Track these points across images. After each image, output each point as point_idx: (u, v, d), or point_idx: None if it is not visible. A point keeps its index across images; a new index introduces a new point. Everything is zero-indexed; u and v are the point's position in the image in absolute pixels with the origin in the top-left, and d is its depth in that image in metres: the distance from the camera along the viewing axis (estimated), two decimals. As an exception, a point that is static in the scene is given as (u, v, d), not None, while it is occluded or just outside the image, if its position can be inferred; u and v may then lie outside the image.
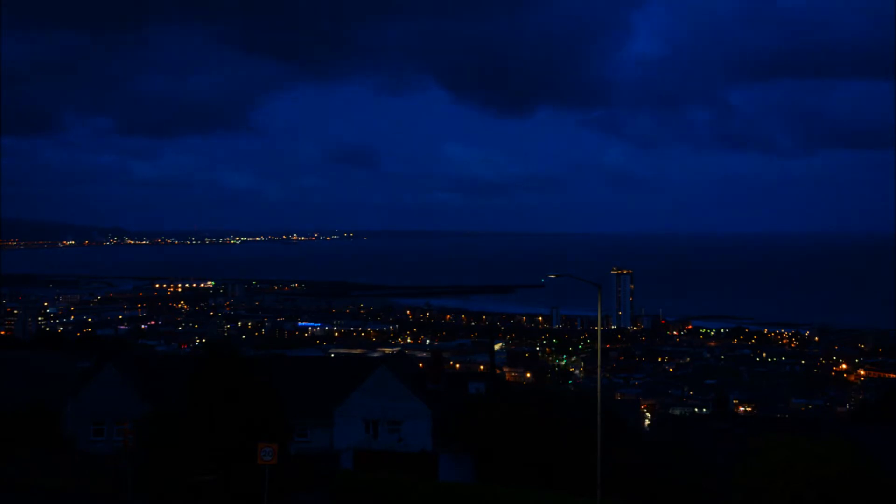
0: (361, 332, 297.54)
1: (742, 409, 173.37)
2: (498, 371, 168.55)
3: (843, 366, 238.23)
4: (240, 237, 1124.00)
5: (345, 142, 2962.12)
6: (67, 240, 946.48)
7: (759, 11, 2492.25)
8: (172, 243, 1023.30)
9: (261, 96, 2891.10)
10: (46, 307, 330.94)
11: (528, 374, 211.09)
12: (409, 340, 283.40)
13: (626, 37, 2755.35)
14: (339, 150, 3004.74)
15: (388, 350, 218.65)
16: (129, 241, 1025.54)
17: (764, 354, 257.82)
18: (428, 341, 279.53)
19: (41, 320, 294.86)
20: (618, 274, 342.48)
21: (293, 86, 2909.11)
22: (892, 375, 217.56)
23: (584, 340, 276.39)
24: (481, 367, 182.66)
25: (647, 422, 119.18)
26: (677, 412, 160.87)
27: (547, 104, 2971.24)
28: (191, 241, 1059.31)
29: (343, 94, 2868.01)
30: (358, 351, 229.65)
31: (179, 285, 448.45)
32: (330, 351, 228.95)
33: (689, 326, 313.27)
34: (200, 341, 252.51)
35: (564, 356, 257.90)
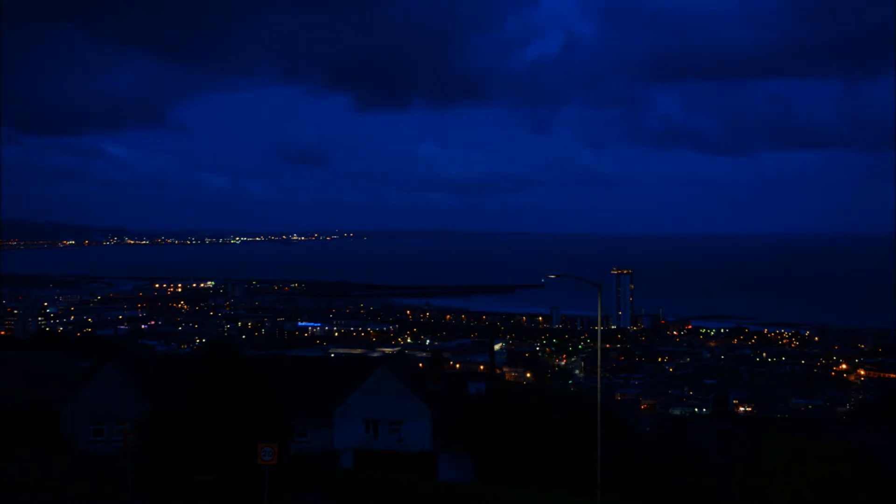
0: (361, 332, 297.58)
1: (742, 409, 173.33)
2: (498, 371, 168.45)
3: (843, 366, 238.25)
4: (240, 237, 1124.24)
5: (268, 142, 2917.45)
6: (67, 240, 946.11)
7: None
8: (172, 243, 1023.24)
9: (168, 96, 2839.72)
10: (46, 307, 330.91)
11: (528, 374, 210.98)
12: (409, 340, 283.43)
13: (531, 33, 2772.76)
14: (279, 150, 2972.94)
15: (388, 350, 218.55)
16: (129, 241, 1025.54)
17: (764, 354, 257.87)
18: (428, 341, 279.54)
19: (41, 320, 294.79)
20: (618, 274, 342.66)
21: (197, 86, 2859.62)
22: (892, 375, 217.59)
23: (584, 340, 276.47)
24: (481, 367, 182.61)
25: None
26: (677, 412, 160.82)
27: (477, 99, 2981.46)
28: (191, 241, 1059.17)
29: (251, 94, 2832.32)
30: (358, 351, 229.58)
31: (179, 285, 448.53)
32: (330, 351, 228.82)
33: (689, 326, 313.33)
34: (200, 341, 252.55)
35: (564, 356, 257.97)
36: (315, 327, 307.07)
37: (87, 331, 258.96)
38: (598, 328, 42.36)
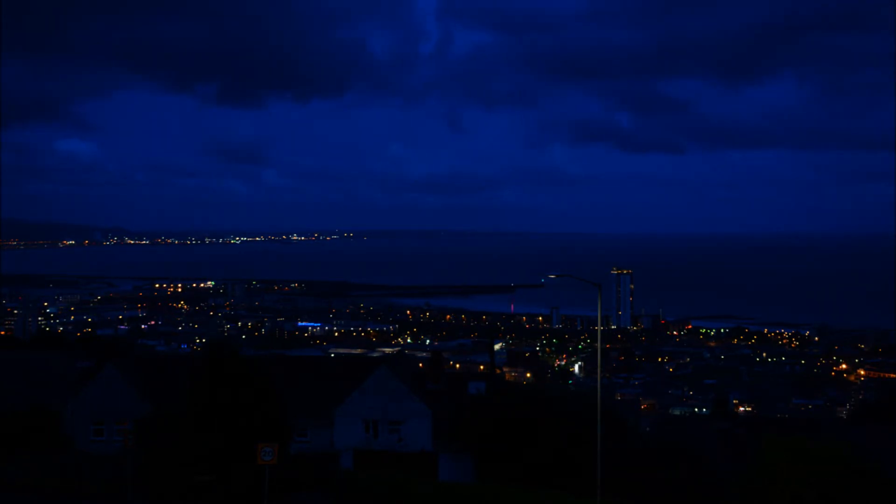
0: (361, 332, 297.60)
1: (742, 409, 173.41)
2: (498, 371, 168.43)
3: (843, 366, 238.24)
4: (240, 237, 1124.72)
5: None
6: (67, 240, 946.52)
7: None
8: (172, 243, 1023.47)
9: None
10: (46, 307, 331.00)
11: (528, 374, 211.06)
12: (409, 340, 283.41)
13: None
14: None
15: (388, 350, 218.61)
16: (129, 241, 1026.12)
17: (764, 354, 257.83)
18: (428, 341, 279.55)
19: (41, 320, 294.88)
20: (618, 274, 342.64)
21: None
22: (892, 375, 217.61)
23: (584, 340, 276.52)
24: (481, 367, 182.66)
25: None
26: (677, 412, 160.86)
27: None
28: (191, 241, 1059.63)
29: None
30: (358, 351, 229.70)
31: (179, 285, 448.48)
32: (330, 351, 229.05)
33: (689, 326, 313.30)
34: (200, 341, 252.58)
35: (564, 356, 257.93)
36: (315, 327, 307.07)
37: (87, 331, 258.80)
38: (598, 328, 42.33)
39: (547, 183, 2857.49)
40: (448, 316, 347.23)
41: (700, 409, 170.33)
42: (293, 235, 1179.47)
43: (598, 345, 41.75)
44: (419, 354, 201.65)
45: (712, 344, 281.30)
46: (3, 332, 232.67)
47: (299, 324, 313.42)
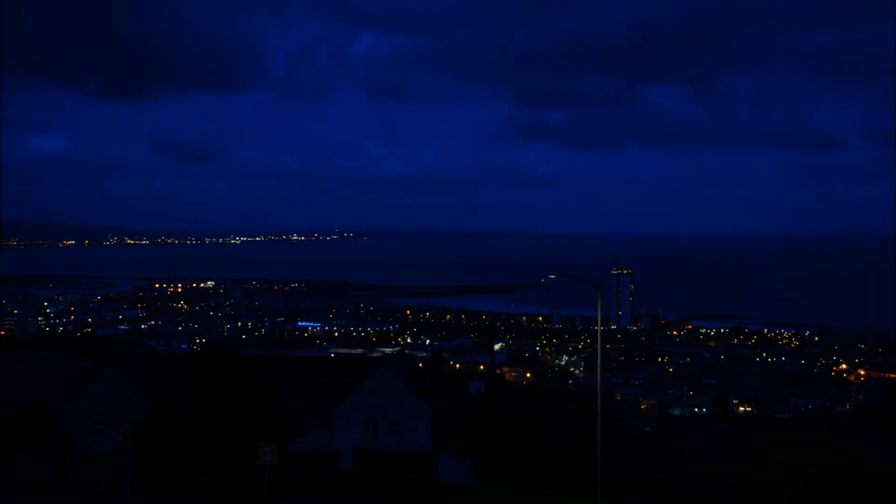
0: (361, 332, 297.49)
1: (742, 409, 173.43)
2: (498, 371, 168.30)
3: (843, 366, 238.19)
4: (240, 237, 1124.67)
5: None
6: (67, 240, 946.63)
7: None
8: (172, 243, 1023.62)
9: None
10: (46, 307, 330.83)
11: (528, 374, 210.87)
12: (409, 340, 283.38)
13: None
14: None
15: (388, 350, 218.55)
16: (129, 241, 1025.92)
17: (764, 354, 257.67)
18: (428, 341, 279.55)
19: (41, 320, 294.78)
20: (618, 274, 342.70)
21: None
22: (892, 375, 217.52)
23: (584, 340, 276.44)
24: (481, 367, 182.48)
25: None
26: (677, 412, 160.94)
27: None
28: (191, 241, 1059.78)
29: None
30: (358, 351, 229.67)
31: (179, 285, 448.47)
32: (330, 351, 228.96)
33: (689, 326, 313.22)
34: (200, 341, 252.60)
35: (564, 356, 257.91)
36: (315, 327, 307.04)
37: (87, 331, 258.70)
38: (598, 328, 42.33)
39: (517, 183, 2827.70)
40: (448, 316, 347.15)
41: (700, 409, 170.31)
42: (293, 235, 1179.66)
43: (598, 345, 41.73)
44: (419, 354, 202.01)
45: (712, 344, 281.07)
46: (3, 332, 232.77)
47: (299, 324, 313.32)
